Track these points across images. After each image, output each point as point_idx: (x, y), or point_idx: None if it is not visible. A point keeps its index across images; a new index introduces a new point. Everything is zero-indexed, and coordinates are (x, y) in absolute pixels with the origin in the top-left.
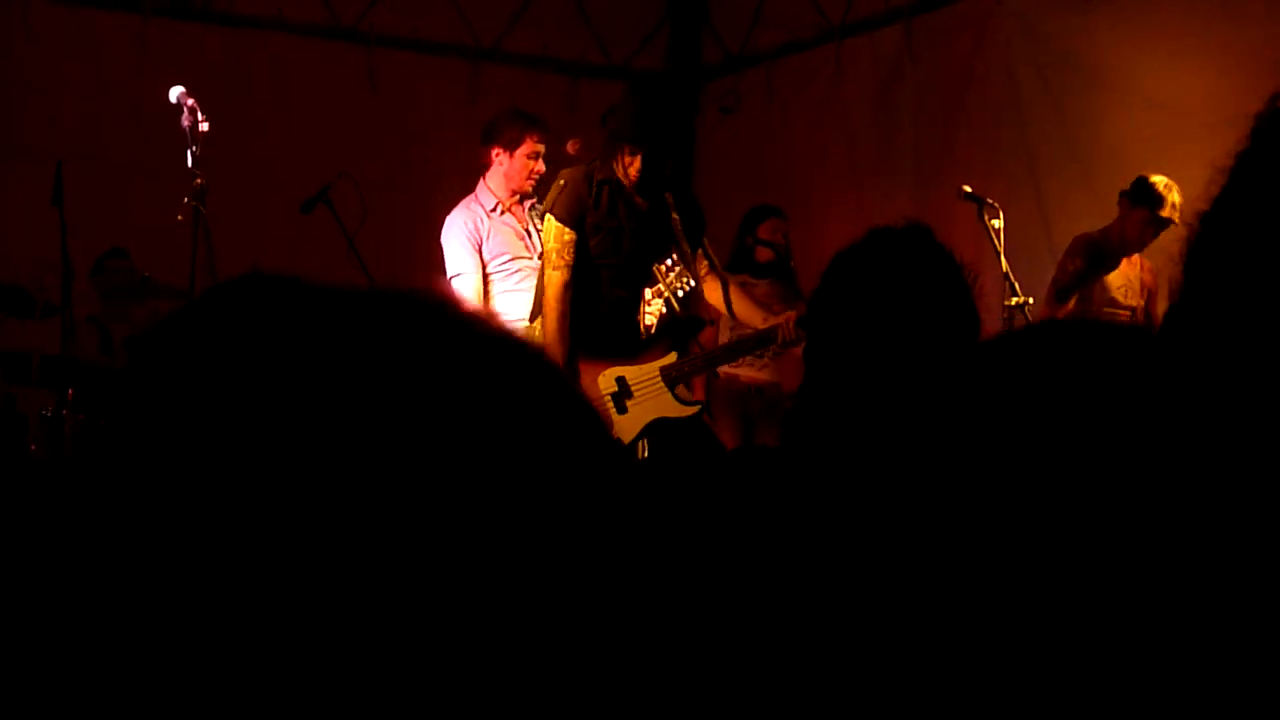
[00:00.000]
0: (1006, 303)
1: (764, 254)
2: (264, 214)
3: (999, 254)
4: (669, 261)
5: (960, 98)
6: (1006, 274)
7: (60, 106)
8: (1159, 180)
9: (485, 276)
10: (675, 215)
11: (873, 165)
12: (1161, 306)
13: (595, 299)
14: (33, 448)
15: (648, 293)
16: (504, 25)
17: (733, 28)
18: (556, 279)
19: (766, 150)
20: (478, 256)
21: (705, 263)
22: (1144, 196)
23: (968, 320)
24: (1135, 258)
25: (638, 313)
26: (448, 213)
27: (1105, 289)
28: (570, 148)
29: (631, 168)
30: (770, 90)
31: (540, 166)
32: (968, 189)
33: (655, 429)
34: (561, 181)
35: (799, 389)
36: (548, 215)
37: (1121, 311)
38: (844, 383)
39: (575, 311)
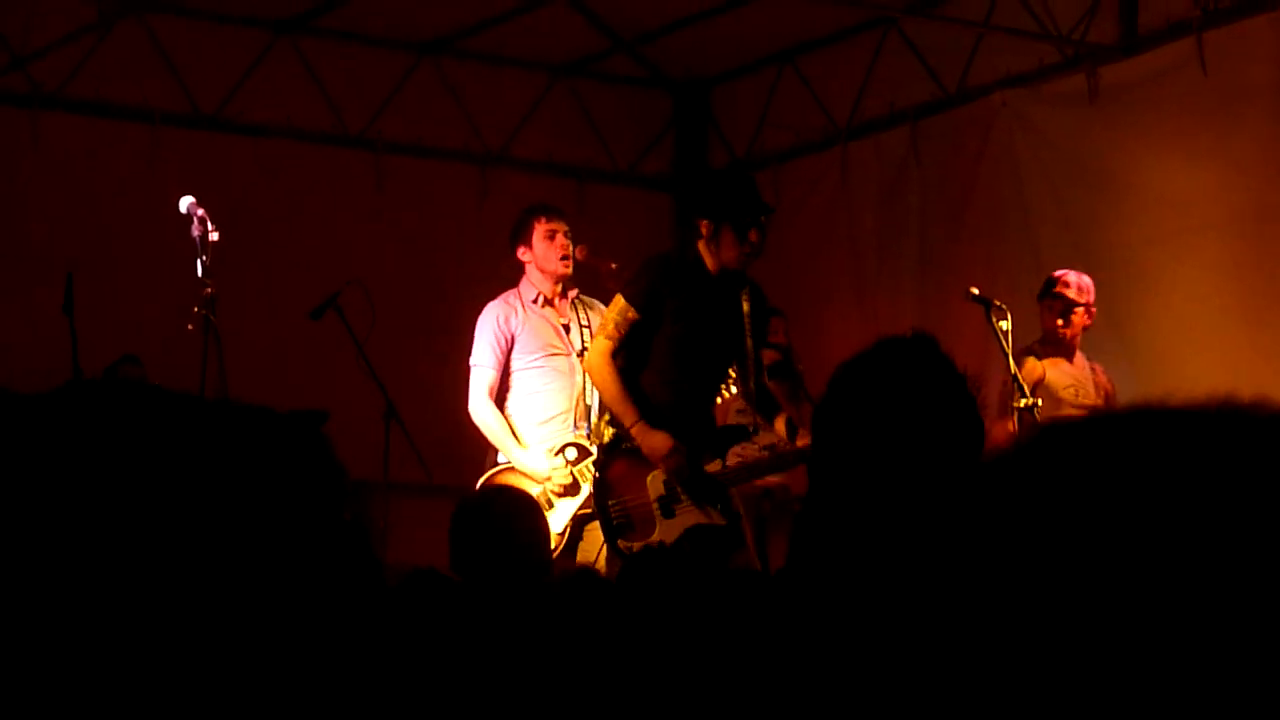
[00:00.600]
0: (1015, 404)
1: (768, 355)
2: (275, 321)
3: (1007, 356)
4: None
5: (966, 199)
6: (1015, 375)
7: (70, 216)
8: (1056, 271)
9: (509, 371)
10: (746, 307)
11: (879, 266)
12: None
13: (662, 389)
14: None
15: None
16: (511, 130)
17: (739, 131)
18: (602, 346)
19: (772, 252)
20: (502, 354)
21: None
22: (1042, 289)
23: (972, 433)
24: (1081, 359)
25: (705, 408)
26: (459, 316)
27: (1051, 391)
28: (579, 254)
29: (715, 251)
30: (777, 192)
31: (564, 242)
32: (975, 291)
33: (695, 534)
34: (644, 261)
35: (805, 497)
36: (619, 292)
37: (1076, 411)
38: (848, 495)
39: (639, 398)
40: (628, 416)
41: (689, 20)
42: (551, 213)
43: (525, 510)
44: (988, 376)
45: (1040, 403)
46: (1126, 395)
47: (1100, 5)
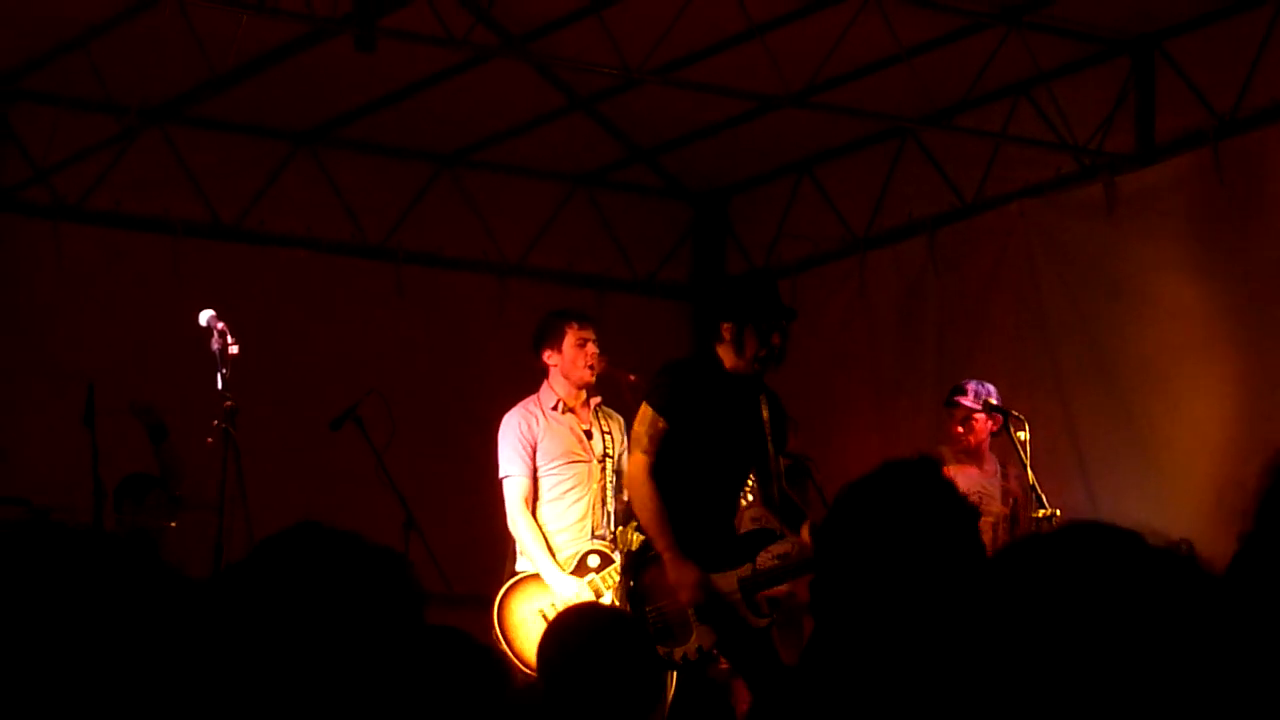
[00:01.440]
0: (1034, 515)
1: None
2: (294, 432)
3: (1025, 466)
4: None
5: (984, 308)
6: (1033, 485)
7: (91, 327)
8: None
9: (536, 478)
10: (765, 414)
11: (897, 375)
12: (1031, 511)
13: (686, 496)
14: None
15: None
16: (530, 240)
17: (757, 240)
18: (640, 462)
19: (791, 361)
20: (528, 459)
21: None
22: (946, 397)
23: (971, 555)
24: (992, 465)
25: (728, 514)
26: (478, 426)
27: None
28: (600, 365)
29: (736, 353)
30: (795, 302)
31: (593, 350)
32: (994, 401)
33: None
34: (662, 369)
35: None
36: (644, 402)
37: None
38: (851, 614)
39: (671, 512)
40: (661, 540)
41: (707, 131)
42: (584, 320)
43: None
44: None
45: (1058, 513)
46: (1148, 504)
47: (1117, 115)
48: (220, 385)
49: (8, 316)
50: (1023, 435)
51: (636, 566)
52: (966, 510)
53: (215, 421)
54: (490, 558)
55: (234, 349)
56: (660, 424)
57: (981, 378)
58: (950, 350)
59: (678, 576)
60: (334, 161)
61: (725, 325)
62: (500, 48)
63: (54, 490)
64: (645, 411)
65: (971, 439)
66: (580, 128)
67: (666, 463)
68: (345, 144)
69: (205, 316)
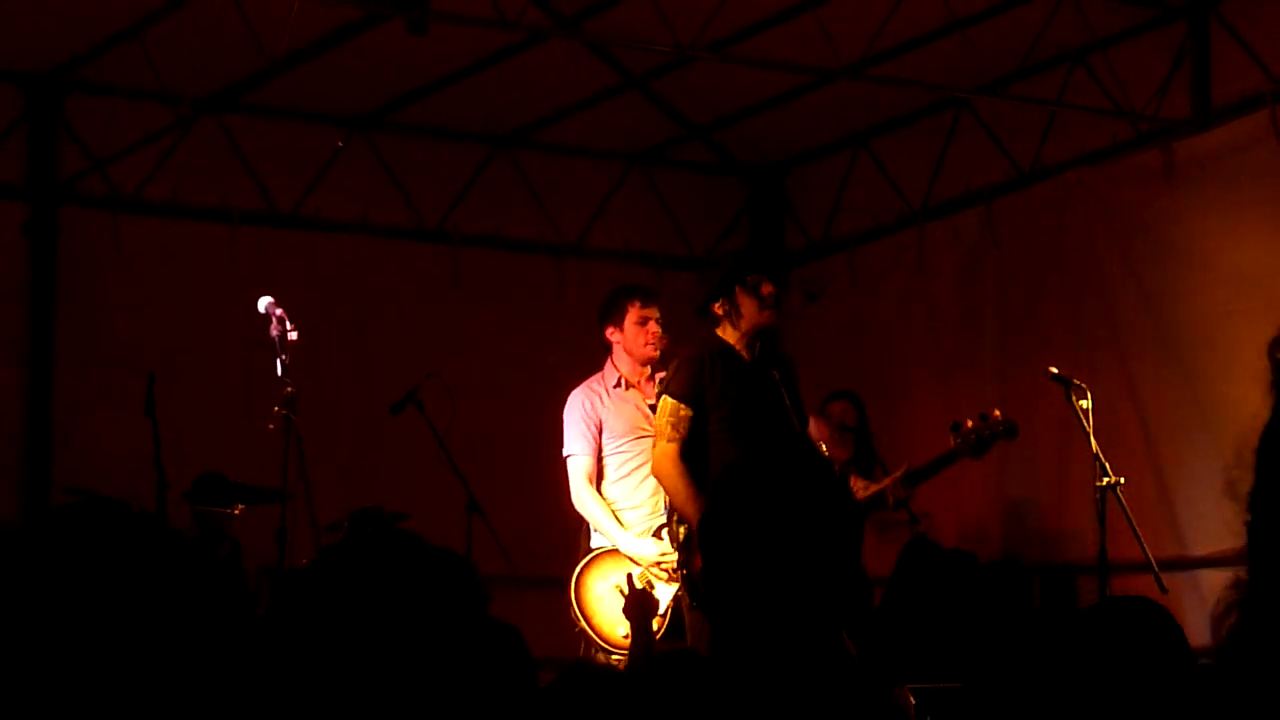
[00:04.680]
0: (1098, 483)
1: (845, 439)
2: (355, 417)
3: (1089, 435)
4: None
5: (1043, 278)
6: (1097, 455)
7: (150, 318)
8: None
9: (601, 457)
10: (783, 391)
11: (957, 347)
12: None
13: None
14: None
15: None
16: (587, 220)
17: (814, 214)
18: (667, 450)
19: (851, 336)
20: (593, 438)
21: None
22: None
23: (844, 514)
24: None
25: None
26: (539, 406)
27: None
28: (661, 343)
29: (738, 323)
30: (854, 275)
31: (655, 329)
32: (1055, 370)
33: None
34: (676, 363)
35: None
36: (662, 396)
37: None
38: (735, 602)
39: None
40: (696, 520)
41: (762, 106)
42: (648, 297)
43: None
44: (1069, 455)
45: (1123, 480)
46: (1211, 471)
47: (1173, 80)
48: (280, 372)
49: (68, 308)
50: (1085, 404)
51: (687, 554)
52: (840, 483)
53: (276, 408)
54: (553, 538)
55: (293, 335)
56: (683, 411)
57: (1041, 347)
58: (1010, 320)
59: None
60: (389, 146)
61: (715, 304)
62: (553, 28)
63: (119, 481)
64: (665, 403)
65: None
66: (635, 106)
67: (696, 448)
68: (400, 128)
69: (264, 303)
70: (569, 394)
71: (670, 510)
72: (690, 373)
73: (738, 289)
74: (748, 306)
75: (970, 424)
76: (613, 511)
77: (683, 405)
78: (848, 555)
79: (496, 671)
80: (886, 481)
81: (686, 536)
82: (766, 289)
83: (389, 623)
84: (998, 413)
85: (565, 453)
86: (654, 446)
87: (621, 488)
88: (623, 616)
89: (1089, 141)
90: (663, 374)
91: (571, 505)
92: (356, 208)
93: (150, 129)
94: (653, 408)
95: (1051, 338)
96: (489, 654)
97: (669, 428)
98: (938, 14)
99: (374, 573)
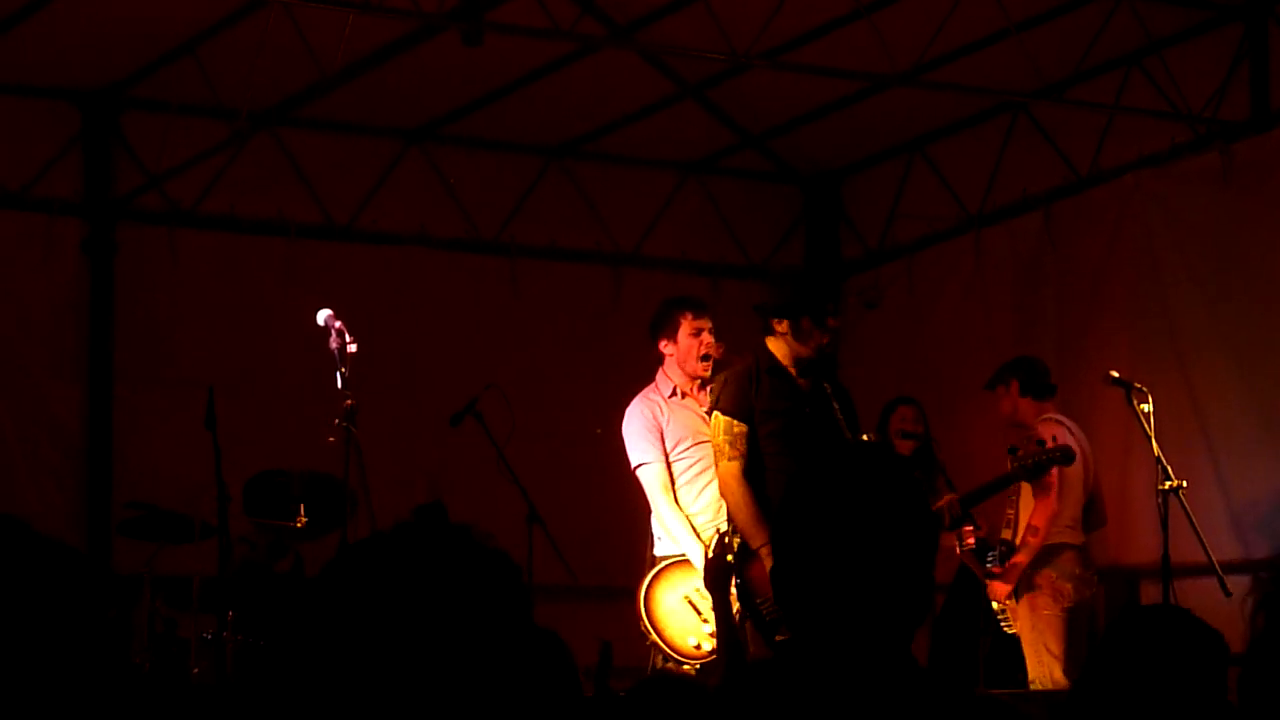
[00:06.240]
0: (1160, 486)
1: (905, 446)
2: (415, 428)
3: (1150, 438)
4: None
5: (1102, 282)
6: (1158, 458)
7: (209, 332)
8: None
9: (669, 463)
10: (835, 404)
11: (1016, 352)
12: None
13: (777, 493)
14: (195, 671)
15: None
16: (643, 229)
17: (870, 222)
18: (731, 469)
19: (910, 342)
20: (660, 445)
21: None
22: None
23: (923, 529)
24: None
25: None
26: (598, 416)
27: None
28: (716, 352)
29: (796, 346)
30: (911, 282)
31: (708, 340)
32: (1115, 374)
33: None
34: (723, 377)
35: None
36: (714, 413)
37: None
38: (812, 602)
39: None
40: (756, 540)
41: (816, 114)
42: (699, 310)
43: None
44: (1130, 459)
45: (1185, 484)
46: (1273, 473)
47: (1231, 82)
48: (340, 384)
49: (126, 323)
50: (1146, 407)
51: (740, 562)
52: (918, 489)
53: (336, 420)
54: (614, 548)
55: (352, 347)
56: (737, 428)
57: (1101, 352)
58: (1069, 325)
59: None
60: (445, 158)
61: (778, 322)
62: (607, 38)
63: (180, 493)
64: (718, 420)
65: None
66: (689, 115)
67: (754, 463)
68: (455, 140)
69: (323, 316)
70: (627, 406)
71: (729, 522)
72: (738, 388)
73: (807, 317)
74: (813, 337)
75: (1025, 449)
76: (689, 522)
77: (736, 423)
78: (923, 562)
79: (539, 674)
80: (941, 502)
81: (742, 545)
82: (833, 323)
83: (428, 616)
84: (1051, 440)
85: (636, 463)
86: (716, 465)
87: (686, 493)
88: (693, 627)
89: (1147, 144)
90: (713, 385)
91: (633, 515)
92: (413, 220)
93: (206, 144)
94: (709, 413)
95: (1110, 341)
96: (532, 655)
97: (727, 445)
98: (993, 19)
99: (415, 564)
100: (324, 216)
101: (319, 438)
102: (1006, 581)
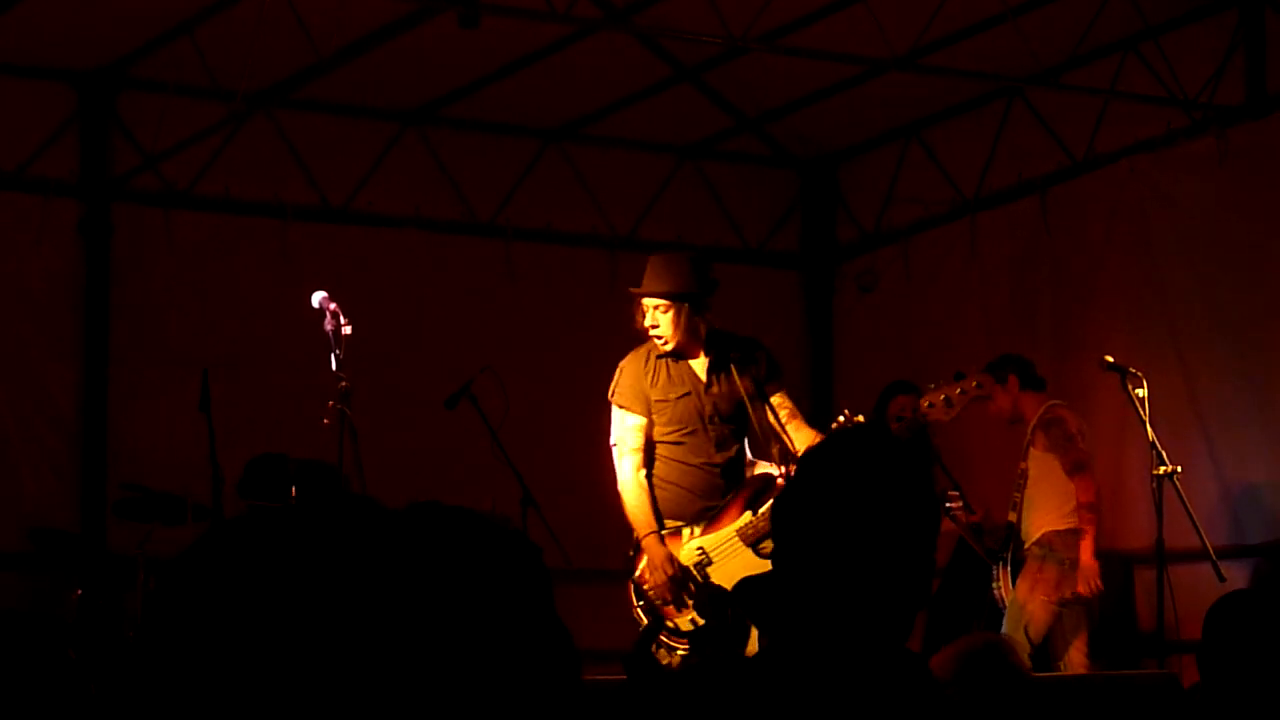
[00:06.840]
0: (1154, 471)
1: (902, 433)
2: (409, 411)
3: (1144, 423)
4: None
5: (1097, 267)
6: (1153, 443)
7: (204, 313)
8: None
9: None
10: (734, 369)
11: (1012, 336)
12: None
13: (672, 472)
14: None
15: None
16: (639, 213)
17: (866, 205)
18: (626, 465)
19: (905, 327)
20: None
21: (785, 410)
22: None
23: (925, 511)
24: None
25: (715, 479)
26: (592, 399)
27: None
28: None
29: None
30: (907, 266)
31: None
32: (1110, 359)
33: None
34: (619, 369)
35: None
36: (612, 405)
37: None
38: (812, 582)
39: (658, 486)
40: (642, 529)
41: (813, 97)
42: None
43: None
44: (1125, 444)
45: (1179, 469)
46: (1268, 459)
47: (1227, 67)
48: (334, 366)
49: (121, 304)
50: (1141, 392)
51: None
52: (920, 471)
53: (330, 403)
54: (609, 532)
55: (347, 329)
56: (628, 420)
57: (1096, 337)
58: (1064, 310)
59: (650, 555)
60: (441, 140)
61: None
62: (604, 20)
63: (174, 475)
64: (614, 413)
65: None
66: (686, 98)
67: (650, 451)
68: (452, 122)
69: (318, 298)
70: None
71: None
72: (630, 379)
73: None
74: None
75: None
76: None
77: (627, 414)
78: (924, 545)
79: (550, 667)
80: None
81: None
82: (639, 318)
83: (444, 600)
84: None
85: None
86: (616, 458)
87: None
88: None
89: (1142, 130)
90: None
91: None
92: (409, 202)
93: (202, 125)
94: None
95: (1106, 326)
96: (547, 648)
97: (621, 441)
98: (989, 3)
99: (430, 547)
100: (320, 198)
101: (313, 420)
102: (1088, 558)
